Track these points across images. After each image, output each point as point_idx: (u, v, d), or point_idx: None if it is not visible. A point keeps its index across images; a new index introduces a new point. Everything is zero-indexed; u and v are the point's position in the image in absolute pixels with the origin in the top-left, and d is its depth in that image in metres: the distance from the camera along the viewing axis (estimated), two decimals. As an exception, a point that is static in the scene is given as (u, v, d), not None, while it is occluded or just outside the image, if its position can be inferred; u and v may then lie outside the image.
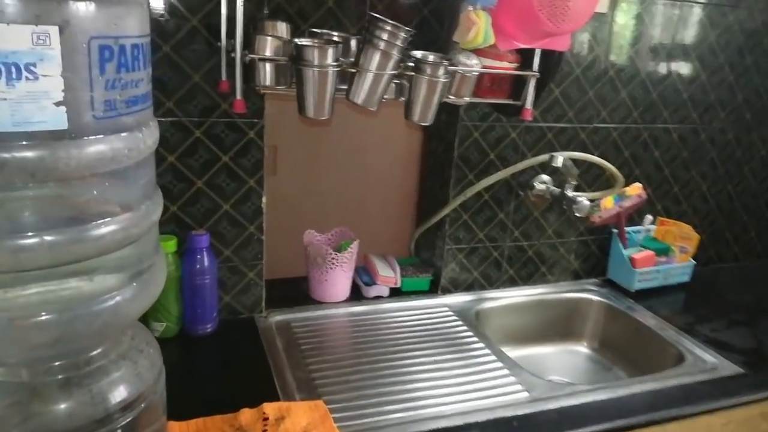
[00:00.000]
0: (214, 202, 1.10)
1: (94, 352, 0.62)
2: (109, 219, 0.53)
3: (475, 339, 1.18)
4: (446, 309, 1.30)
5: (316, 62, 0.81)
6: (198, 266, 1.07)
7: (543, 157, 1.23)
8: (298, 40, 0.83)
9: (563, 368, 1.36)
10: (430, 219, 1.33)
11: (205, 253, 1.07)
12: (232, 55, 0.85)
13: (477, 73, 0.96)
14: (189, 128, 1.04)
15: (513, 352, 1.30)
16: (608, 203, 1.34)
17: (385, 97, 0.91)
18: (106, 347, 0.63)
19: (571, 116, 1.33)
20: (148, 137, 0.56)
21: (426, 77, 0.87)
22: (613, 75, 1.34)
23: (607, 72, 1.33)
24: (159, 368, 0.69)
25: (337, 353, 1.10)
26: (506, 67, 0.99)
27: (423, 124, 0.93)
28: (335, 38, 0.91)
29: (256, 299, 1.19)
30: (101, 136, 0.49)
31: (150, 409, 0.68)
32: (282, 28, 0.95)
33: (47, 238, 0.49)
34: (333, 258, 1.23)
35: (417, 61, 0.88)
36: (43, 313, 0.51)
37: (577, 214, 1.23)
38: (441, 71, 0.88)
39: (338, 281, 1.26)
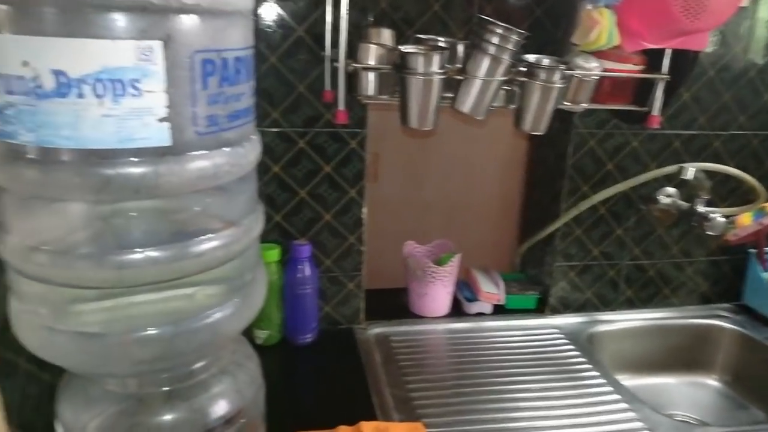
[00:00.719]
0: (315, 212, 1.09)
1: (196, 366, 0.63)
2: (211, 235, 0.52)
3: (588, 365, 1.08)
4: (555, 330, 1.21)
5: (420, 70, 0.77)
6: (299, 276, 1.06)
7: (670, 168, 1.10)
8: (403, 48, 0.79)
9: (688, 403, 1.21)
10: (538, 233, 1.25)
11: (306, 263, 1.07)
12: (335, 64, 0.83)
13: (596, 78, 0.87)
14: (293, 138, 1.04)
15: (630, 382, 1.19)
16: (746, 220, 1.18)
17: (494, 104, 0.85)
18: (208, 361, 0.63)
19: (703, 122, 1.19)
20: (250, 152, 0.54)
21: (540, 83, 0.80)
22: (754, 76, 1.18)
23: (747, 72, 1.17)
24: (259, 384, 0.68)
25: (437, 372, 1.05)
26: (631, 69, 0.89)
27: (535, 133, 0.86)
28: (441, 44, 0.86)
29: (355, 310, 1.17)
30: (203, 152, 0.48)
31: (249, 424, 0.67)
32: (386, 35, 0.92)
33: (151, 254, 0.49)
34: (433, 272, 1.18)
35: (530, 65, 0.81)
36: (147, 329, 0.51)
37: (710, 233, 1.09)
38: (557, 76, 0.81)
39: (438, 296, 1.21)
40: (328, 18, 0.92)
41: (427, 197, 1.34)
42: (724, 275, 1.32)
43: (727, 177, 1.19)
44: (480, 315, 1.24)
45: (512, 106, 0.87)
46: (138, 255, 0.49)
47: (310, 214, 1.09)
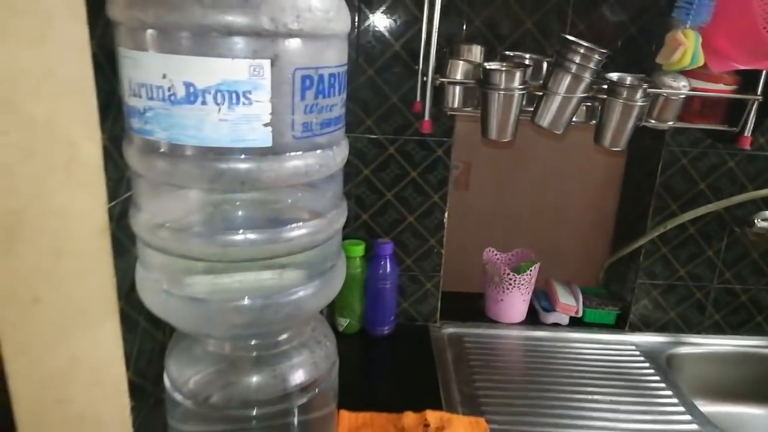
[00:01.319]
0: (400, 214, 1.17)
1: (281, 338, 0.72)
2: (300, 224, 0.60)
3: (662, 385, 1.07)
4: (633, 348, 1.20)
5: (502, 86, 0.82)
6: (381, 271, 1.14)
7: (764, 192, 1.06)
8: (487, 64, 0.84)
9: (775, 438, 1.16)
10: (622, 249, 1.24)
11: (388, 260, 1.14)
12: (424, 78, 0.90)
13: (683, 96, 0.87)
14: (384, 145, 1.12)
15: (709, 408, 1.15)
16: None
17: (575, 119, 0.88)
18: (291, 334, 0.72)
19: (810, 145, 1.13)
20: (338, 155, 0.62)
21: (621, 101, 0.82)
22: None
23: None
24: (333, 360, 0.76)
25: (506, 374, 1.08)
26: (721, 89, 0.88)
27: (614, 149, 0.88)
28: (527, 60, 0.91)
29: (431, 309, 1.23)
30: (298, 153, 0.57)
31: (322, 394, 0.76)
32: (476, 51, 0.98)
33: (249, 236, 0.58)
34: (510, 278, 1.22)
35: (612, 83, 0.83)
36: (242, 299, 0.61)
37: (808, 261, 1.04)
38: (638, 94, 0.82)
39: (514, 302, 1.25)
40: (423, 35, 0.99)
41: (516, 207, 1.37)
42: (827, 308, 1.24)
43: (835, 204, 1.12)
44: (556, 326, 1.26)
45: (593, 122, 0.89)
46: (239, 236, 0.58)
47: (395, 215, 1.17)
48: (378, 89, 1.09)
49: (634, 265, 1.24)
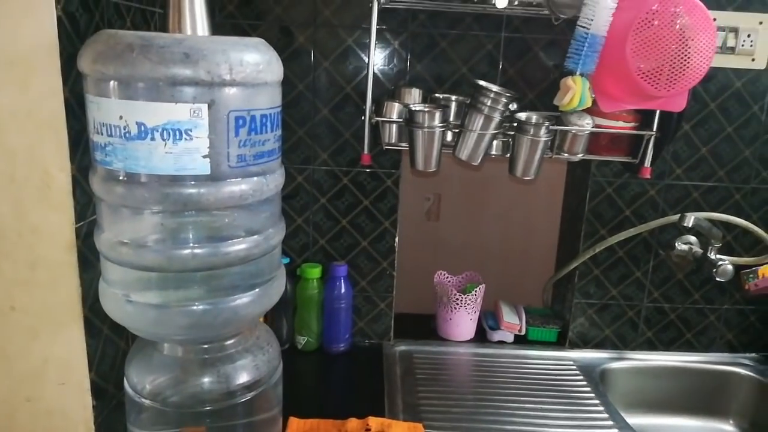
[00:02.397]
0: (354, 239, 1.28)
1: (227, 343, 0.82)
2: (236, 240, 0.72)
3: (592, 395, 1.17)
4: (571, 363, 1.30)
5: (425, 124, 0.95)
6: (336, 292, 1.25)
7: (673, 218, 1.19)
8: (413, 106, 0.97)
9: (702, 446, 1.25)
10: (560, 271, 1.35)
11: (342, 281, 1.25)
12: (362, 118, 1.02)
13: (587, 132, 1.00)
14: (339, 176, 1.24)
15: (642, 420, 1.25)
16: (766, 271, 1.23)
17: (494, 153, 1.00)
18: (236, 340, 0.83)
19: (722, 175, 1.26)
20: (272, 182, 0.74)
21: (528, 137, 0.95)
22: (779, 133, 1.24)
23: (769, 130, 1.24)
24: (275, 365, 0.86)
25: (448, 387, 1.18)
26: (619, 126, 1.01)
27: (526, 178, 1.00)
28: (452, 103, 1.03)
29: (385, 328, 1.33)
30: (234, 180, 0.68)
31: (265, 395, 0.85)
32: (415, 94, 1.11)
33: (195, 251, 0.69)
34: (457, 298, 1.32)
35: (520, 122, 0.96)
36: (188, 305, 0.71)
37: (719, 279, 1.16)
38: (542, 131, 0.95)
39: (462, 321, 1.35)
40: (369, 80, 1.11)
41: (482, 236, 1.52)
42: (750, 325, 1.35)
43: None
44: (501, 343, 1.36)
45: (508, 155, 1.02)
46: (186, 251, 0.69)
47: (349, 240, 1.28)
48: (332, 126, 1.21)
49: (571, 286, 1.34)
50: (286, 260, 1.24)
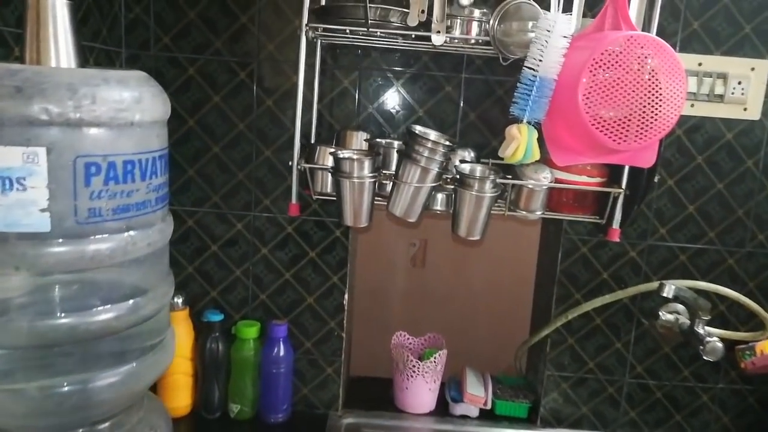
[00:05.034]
0: (299, 294, 1.15)
1: (102, 426, 0.69)
2: (93, 310, 0.59)
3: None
4: (541, 445, 1.14)
5: (354, 174, 0.83)
6: (273, 355, 1.11)
7: (651, 285, 1.04)
8: (340, 153, 0.86)
9: None
10: (531, 338, 1.21)
11: (281, 342, 1.11)
12: (290, 163, 0.91)
13: (545, 188, 0.87)
14: (282, 224, 1.12)
15: None
16: (766, 348, 1.07)
17: (437, 208, 0.88)
18: (111, 424, 0.69)
19: (713, 237, 1.11)
20: (142, 239, 0.62)
21: (471, 192, 0.82)
22: (777, 191, 1.10)
23: (765, 188, 1.10)
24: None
25: (393, 471, 1.02)
26: (582, 182, 0.88)
27: (471, 239, 0.87)
28: (394, 148, 0.91)
29: (333, 396, 1.19)
30: (82, 239, 0.57)
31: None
32: (361, 137, 0.99)
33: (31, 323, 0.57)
34: (413, 365, 1.18)
35: (462, 174, 0.84)
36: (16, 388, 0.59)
37: (706, 358, 1.00)
38: (488, 185, 0.82)
39: (419, 392, 1.20)
40: (297, 120, 0.98)
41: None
42: (748, 407, 1.18)
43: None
44: (465, 417, 1.20)
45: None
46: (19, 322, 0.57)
47: (293, 295, 1.15)
48: (275, 170, 1.10)
49: (543, 356, 1.19)
50: (220, 317, 1.11)
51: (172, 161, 1.09)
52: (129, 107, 0.58)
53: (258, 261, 1.14)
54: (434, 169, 0.82)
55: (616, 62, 0.71)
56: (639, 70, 0.72)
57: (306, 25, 0.85)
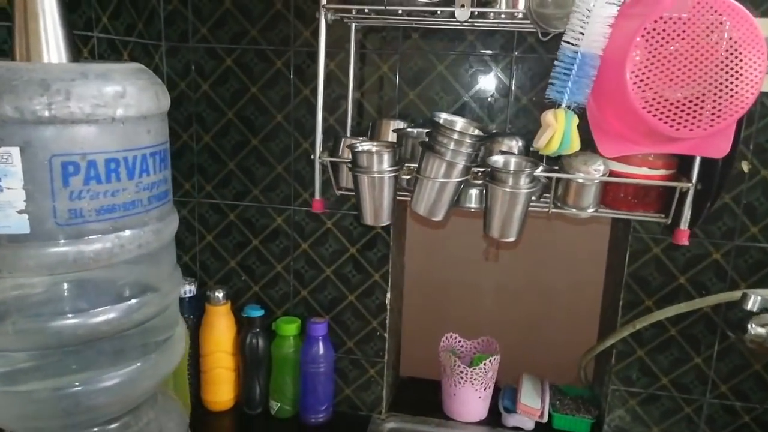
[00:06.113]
0: (340, 291, 1.10)
1: (111, 426, 0.68)
2: (78, 313, 0.58)
3: None
4: (603, 466, 1.02)
5: (374, 168, 0.75)
6: (312, 353, 1.07)
7: (733, 294, 0.88)
8: (359, 145, 0.78)
9: None
10: (595, 348, 1.08)
11: (321, 341, 1.07)
12: (311, 157, 0.85)
13: (596, 182, 0.75)
14: (322, 219, 1.08)
15: None
16: None
17: (471, 206, 0.79)
18: (125, 421, 0.68)
19: (821, 238, 0.93)
20: (131, 241, 0.59)
21: (505, 188, 0.72)
22: None
23: None
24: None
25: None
26: (643, 175, 0.75)
27: (505, 240, 0.76)
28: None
29: (376, 398, 1.13)
30: (64, 240, 0.55)
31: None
32: (398, 126, 0.92)
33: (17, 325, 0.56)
34: (461, 371, 1.09)
35: (494, 169, 0.73)
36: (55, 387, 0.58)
37: (804, 383, 0.84)
38: (523, 180, 0.72)
39: (468, 399, 1.11)
40: (319, 112, 0.92)
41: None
42: None
43: None
44: (518, 430, 1.11)
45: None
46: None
47: (334, 292, 1.11)
48: (313, 162, 1.05)
49: (608, 368, 1.07)
50: (260, 312, 1.09)
51: (212, 154, 1.08)
52: (109, 102, 0.55)
53: (299, 256, 1.10)
54: (460, 162, 0.73)
55: (676, 31, 0.59)
56: (706, 39, 0.59)
57: (323, 6, 0.78)
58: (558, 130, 0.65)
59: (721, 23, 0.62)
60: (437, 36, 0.98)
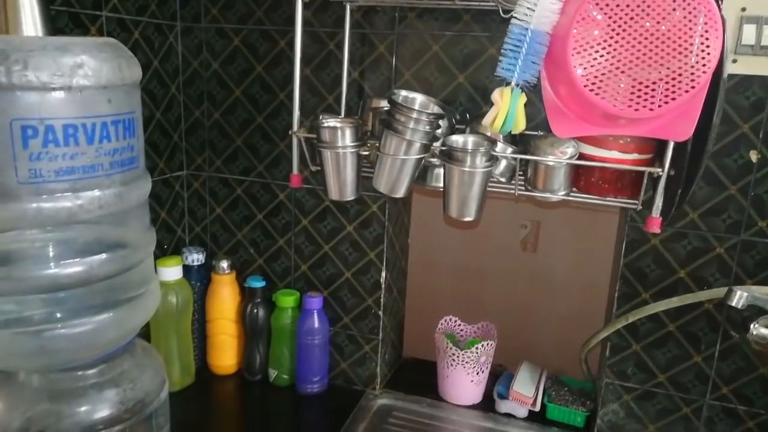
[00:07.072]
0: (337, 268, 1.13)
1: (90, 371, 0.75)
2: (48, 263, 0.64)
3: None
4: (591, 461, 1.00)
5: (337, 143, 0.76)
6: (308, 326, 1.11)
7: (717, 291, 0.83)
8: (324, 120, 0.80)
9: None
10: (589, 339, 1.05)
11: (315, 314, 1.10)
12: (290, 132, 0.88)
13: (565, 164, 0.73)
14: (321, 196, 1.11)
15: None
16: None
17: (433, 184, 0.78)
18: (100, 370, 0.75)
19: (838, 234, 0.86)
20: (91, 202, 0.64)
21: (461, 168, 0.71)
22: None
23: None
24: (151, 400, 0.77)
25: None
26: (612, 158, 0.71)
27: (464, 219, 0.75)
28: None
29: (370, 374, 1.16)
30: (27, 197, 0.60)
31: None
32: (385, 104, 0.93)
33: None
34: (452, 353, 1.09)
35: (450, 148, 0.72)
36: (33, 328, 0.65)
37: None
38: (479, 159, 0.70)
39: (460, 382, 1.11)
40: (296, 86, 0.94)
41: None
42: None
43: None
44: (509, 416, 1.09)
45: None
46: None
47: (332, 269, 1.13)
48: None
49: (603, 360, 1.03)
50: (262, 284, 1.14)
51: (221, 131, 1.14)
52: (66, 72, 0.60)
53: (299, 232, 1.14)
54: (417, 141, 0.72)
55: (619, 6, 0.56)
56: (652, 14, 0.55)
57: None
58: (502, 109, 0.64)
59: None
60: (433, 15, 0.97)
